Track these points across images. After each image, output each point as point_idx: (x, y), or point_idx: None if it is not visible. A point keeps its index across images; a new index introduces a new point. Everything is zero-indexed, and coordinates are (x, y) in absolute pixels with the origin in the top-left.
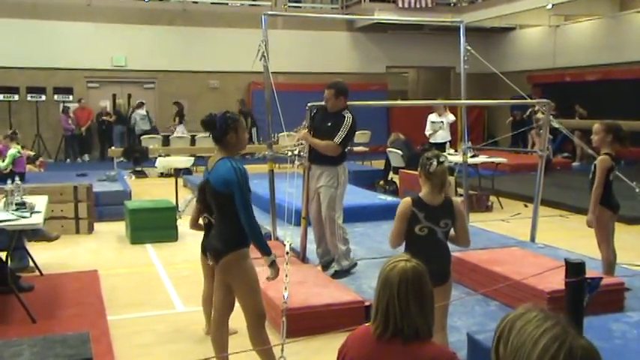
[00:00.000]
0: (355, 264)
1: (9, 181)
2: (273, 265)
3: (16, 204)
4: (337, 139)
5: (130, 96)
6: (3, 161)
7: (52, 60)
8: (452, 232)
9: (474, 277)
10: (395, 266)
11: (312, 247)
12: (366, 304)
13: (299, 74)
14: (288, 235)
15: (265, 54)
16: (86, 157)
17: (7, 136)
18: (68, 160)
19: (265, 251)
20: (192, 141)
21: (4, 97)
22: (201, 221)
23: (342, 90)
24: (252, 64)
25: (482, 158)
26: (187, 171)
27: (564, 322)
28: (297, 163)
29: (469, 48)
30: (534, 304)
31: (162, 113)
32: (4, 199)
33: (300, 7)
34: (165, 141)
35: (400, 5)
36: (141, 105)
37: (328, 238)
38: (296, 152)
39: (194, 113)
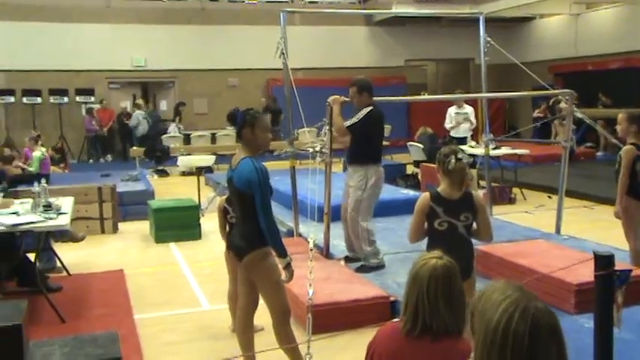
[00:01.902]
0: (383, 265)
1: (35, 184)
2: (288, 267)
3: (43, 206)
4: (346, 123)
5: (155, 96)
6: (30, 165)
7: (73, 62)
8: (474, 225)
9: (499, 271)
10: (425, 263)
11: (335, 243)
12: (392, 299)
13: (317, 70)
14: (311, 232)
15: (284, 51)
16: (109, 157)
17: (31, 139)
18: (91, 160)
19: (281, 253)
20: (213, 139)
21: (27, 100)
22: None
23: (364, 86)
24: (270, 61)
25: (504, 150)
26: (209, 169)
27: (525, 290)
28: (318, 159)
29: (489, 39)
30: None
31: (186, 113)
32: (32, 201)
33: (317, 2)
34: (187, 140)
35: None
36: (140, 106)
37: (353, 239)
38: (317, 148)
39: (214, 111)
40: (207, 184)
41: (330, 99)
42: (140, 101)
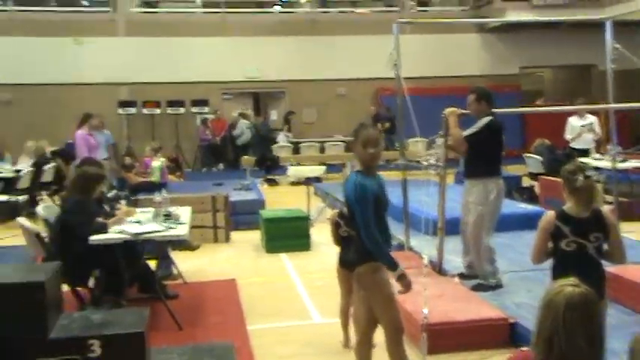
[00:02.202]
0: (501, 285)
1: (157, 193)
2: (402, 278)
3: (163, 215)
4: (464, 133)
5: (266, 106)
6: (150, 174)
7: (190, 74)
8: (605, 246)
9: (631, 295)
10: (561, 291)
11: (448, 258)
12: (511, 321)
13: (428, 79)
14: (423, 246)
15: (397, 62)
16: (221, 165)
17: (153, 149)
18: (204, 169)
19: (391, 266)
20: (322, 148)
21: (147, 110)
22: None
23: (483, 94)
24: (379, 70)
25: (633, 163)
26: (317, 179)
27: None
28: (432, 172)
29: (618, 46)
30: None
31: (294, 123)
32: (153, 210)
33: (427, 10)
34: (296, 149)
35: (535, 3)
36: (245, 115)
37: (474, 257)
38: (432, 161)
39: (323, 121)
40: (316, 194)
41: (447, 111)
42: (247, 111)
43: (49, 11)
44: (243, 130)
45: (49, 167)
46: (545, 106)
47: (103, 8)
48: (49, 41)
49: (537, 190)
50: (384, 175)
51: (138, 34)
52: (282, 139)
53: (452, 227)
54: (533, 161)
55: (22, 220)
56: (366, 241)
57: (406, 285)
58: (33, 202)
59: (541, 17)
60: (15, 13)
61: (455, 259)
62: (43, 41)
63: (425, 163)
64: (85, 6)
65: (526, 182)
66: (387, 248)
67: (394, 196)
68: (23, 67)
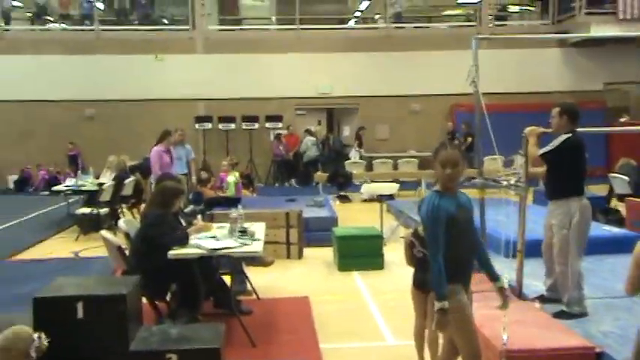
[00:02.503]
0: (586, 314)
1: (233, 209)
2: (440, 312)
3: (239, 231)
4: (540, 151)
5: (338, 122)
6: (225, 188)
7: (264, 90)
8: None
9: None
10: None
11: (526, 282)
12: (597, 350)
13: (506, 94)
14: (503, 269)
15: (476, 79)
16: (293, 181)
17: (231, 164)
18: (277, 184)
19: (437, 295)
20: (395, 165)
21: (222, 126)
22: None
23: (565, 109)
24: (455, 85)
25: None
26: (390, 196)
27: None
28: (512, 192)
29: None
30: None
31: (365, 137)
32: (229, 225)
33: (505, 25)
34: (369, 165)
35: (621, 17)
36: (311, 132)
37: (559, 282)
38: (512, 181)
39: (396, 137)
40: (390, 212)
41: (527, 130)
42: (318, 126)
43: (131, 30)
44: (308, 147)
45: (129, 181)
46: (631, 124)
47: (182, 27)
48: (131, 59)
49: (623, 211)
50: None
51: (215, 52)
52: (353, 155)
53: (532, 249)
54: (620, 181)
55: (104, 232)
56: (430, 262)
57: (441, 323)
58: (114, 215)
59: (627, 32)
60: (100, 32)
61: (535, 283)
62: (125, 59)
63: (504, 183)
64: (165, 24)
65: (610, 203)
66: (443, 275)
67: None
68: (106, 84)
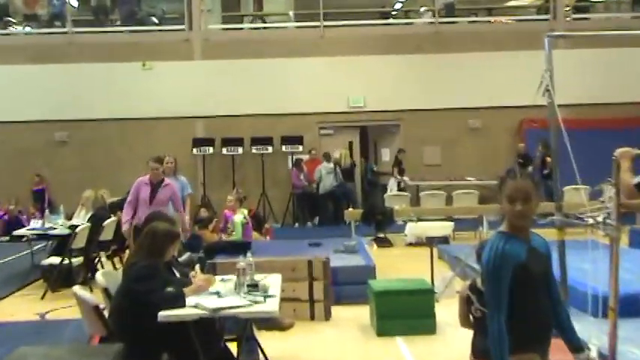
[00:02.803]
0: None
1: (240, 257)
2: None
3: (247, 285)
4: (634, 180)
5: (375, 144)
6: (230, 230)
7: (280, 105)
8: None
9: None
10: None
11: (622, 350)
12: None
13: (589, 106)
14: (590, 332)
15: (550, 87)
16: (317, 220)
17: (238, 198)
18: (297, 224)
19: None
20: (449, 198)
21: (227, 150)
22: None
23: None
24: (525, 96)
25: None
26: (444, 239)
27: None
28: (601, 232)
29: None
30: None
31: (409, 162)
32: (235, 278)
33: (587, 18)
34: (416, 199)
35: None
36: (328, 157)
37: None
38: (600, 218)
39: (450, 162)
40: (442, 259)
41: (619, 152)
42: (342, 151)
43: (113, 32)
44: (323, 176)
45: (109, 222)
46: None
47: (176, 26)
48: (112, 68)
49: None
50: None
51: (217, 57)
52: (392, 185)
53: (628, 307)
54: None
55: (78, 289)
56: (488, 326)
57: None
58: (90, 266)
59: None
60: (74, 36)
61: (633, 350)
62: (105, 68)
63: (590, 220)
64: (155, 24)
65: None
66: (504, 340)
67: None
68: (82, 100)
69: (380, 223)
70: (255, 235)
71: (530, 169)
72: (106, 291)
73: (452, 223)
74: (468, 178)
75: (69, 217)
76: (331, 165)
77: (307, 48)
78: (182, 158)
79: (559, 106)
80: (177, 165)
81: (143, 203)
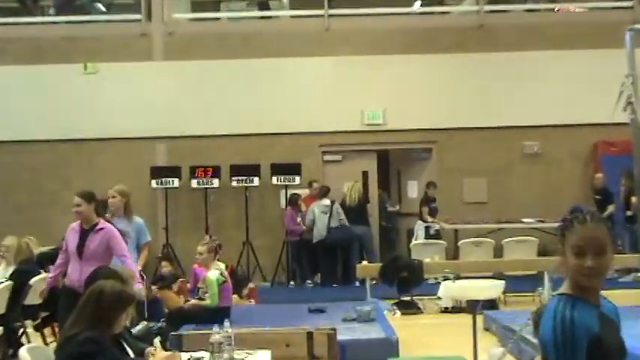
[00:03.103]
0: None
1: (215, 327)
2: None
3: None
4: None
5: (399, 174)
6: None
7: (270, 122)
8: None
9: None
10: None
11: None
12: None
13: None
14: None
15: (633, 99)
16: (318, 277)
17: (211, 248)
18: (292, 282)
19: None
20: (498, 249)
21: (197, 183)
22: None
23: None
24: (599, 110)
25: None
26: (490, 303)
27: None
28: None
29: None
30: None
31: (444, 200)
32: (209, 356)
33: None
34: (453, 250)
35: None
36: (326, 192)
37: None
38: None
39: (499, 199)
40: (488, 330)
41: None
42: (353, 183)
43: (43, 23)
44: (315, 217)
45: (37, 281)
46: None
47: (130, 15)
48: (42, 71)
49: None
50: (615, 295)
51: (185, 57)
52: (421, 230)
53: None
54: None
55: None
56: None
57: None
58: (12, 339)
59: None
60: None
61: None
62: (33, 72)
63: None
64: (101, 13)
65: None
66: None
67: (630, 334)
68: (4, 115)
69: (404, 281)
70: (235, 298)
71: (610, 208)
72: None
73: (502, 282)
74: (524, 221)
75: None
76: (327, 202)
77: (309, 45)
78: (137, 193)
79: None
80: (130, 202)
81: (72, 257)
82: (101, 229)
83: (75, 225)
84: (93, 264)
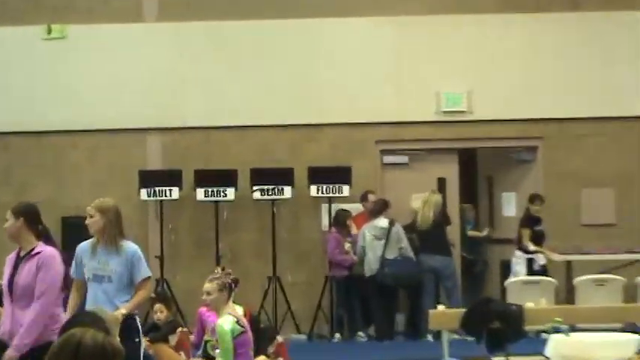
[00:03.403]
0: None
1: None
2: None
3: None
4: None
5: (490, 181)
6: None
7: (303, 108)
8: None
9: None
10: None
11: None
12: None
13: None
14: None
15: None
16: (371, 329)
17: (223, 285)
18: (338, 335)
19: None
20: (632, 289)
21: (205, 193)
22: None
23: None
24: None
25: None
26: None
27: None
28: None
29: None
30: None
31: (554, 220)
32: None
33: None
34: (569, 292)
35: None
36: (381, 207)
37: None
38: None
39: (633, 218)
40: None
41: None
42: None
43: None
44: (366, 243)
45: None
46: None
47: None
48: None
49: None
50: None
51: (187, 17)
52: (521, 263)
53: None
54: None
55: None
56: None
57: None
58: None
59: None
60: None
61: None
62: None
63: None
64: None
65: None
66: None
67: None
68: None
69: (497, 334)
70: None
71: None
72: None
73: (637, 337)
74: None
75: None
76: (383, 222)
77: (353, 2)
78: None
79: None
80: (118, 221)
81: (5, 298)
82: (37, 253)
83: (13, 253)
84: (24, 306)
